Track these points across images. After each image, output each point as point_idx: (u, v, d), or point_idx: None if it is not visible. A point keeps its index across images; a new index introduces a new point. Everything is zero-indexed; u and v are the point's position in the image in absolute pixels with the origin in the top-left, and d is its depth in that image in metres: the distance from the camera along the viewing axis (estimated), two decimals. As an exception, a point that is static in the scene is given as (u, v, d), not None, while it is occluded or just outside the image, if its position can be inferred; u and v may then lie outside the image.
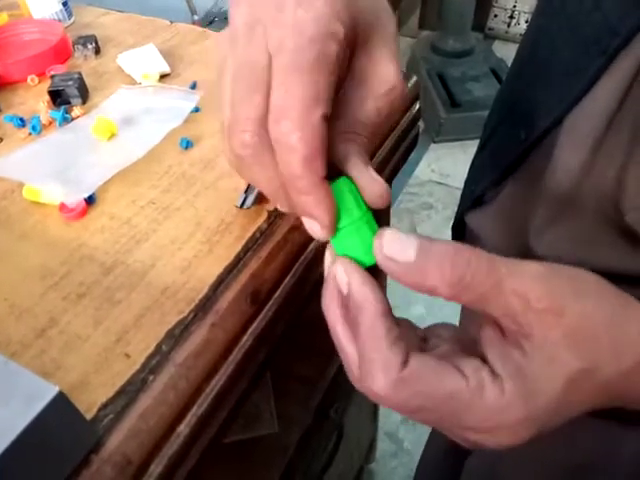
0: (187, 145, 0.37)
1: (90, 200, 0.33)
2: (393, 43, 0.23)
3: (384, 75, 0.23)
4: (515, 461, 0.39)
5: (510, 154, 0.39)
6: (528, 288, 0.19)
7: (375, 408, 0.75)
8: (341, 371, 0.57)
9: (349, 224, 0.22)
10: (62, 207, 0.32)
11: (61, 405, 0.20)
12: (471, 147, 1.64)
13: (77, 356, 0.26)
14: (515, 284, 0.19)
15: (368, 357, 0.20)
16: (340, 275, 0.22)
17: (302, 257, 0.32)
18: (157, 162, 0.36)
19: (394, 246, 0.20)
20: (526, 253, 0.36)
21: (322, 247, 0.33)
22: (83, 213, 0.32)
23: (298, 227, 0.32)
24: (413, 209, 1.46)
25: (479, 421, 0.20)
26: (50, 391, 0.19)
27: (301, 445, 0.52)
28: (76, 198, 0.32)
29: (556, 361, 0.19)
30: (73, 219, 0.32)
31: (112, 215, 0.32)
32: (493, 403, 0.19)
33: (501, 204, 0.43)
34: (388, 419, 1.02)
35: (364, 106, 0.23)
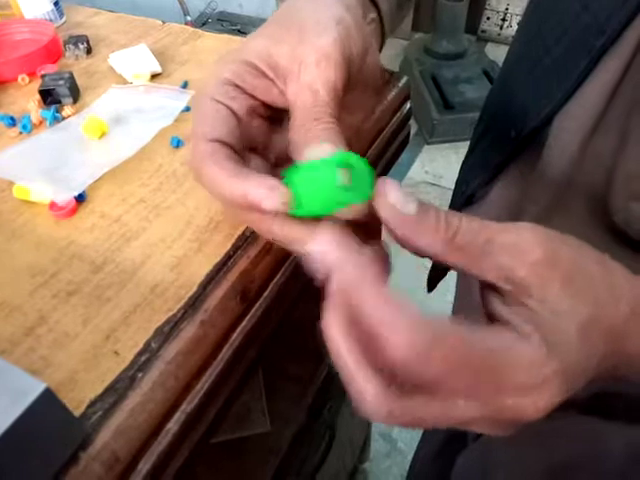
0: (178, 144, 0.37)
1: (80, 198, 0.33)
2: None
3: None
4: (503, 459, 0.39)
5: (500, 153, 0.40)
6: (518, 240, 0.19)
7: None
8: (333, 370, 0.57)
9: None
10: (52, 206, 0.32)
11: (49, 401, 0.20)
12: (464, 148, 1.63)
13: (66, 354, 0.26)
14: (505, 239, 0.19)
15: (387, 329, 0.17)
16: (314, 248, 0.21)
17: (292, 256, 0.32)
18: (148, 161, 0.36)
19: (398, 196, 0.19)
20: None
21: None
22: (73, 211, 0.32)
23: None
24: (406, 210, 1.46)
25: (519, 378, 0.18)
26: (37, 387, 0.19)
27: (294, 444, 0.52)
28: (66, 197, 0.32)
29: (562, 312, 0.19)
30: (63, 217, 0.32)
31: (102, 213, 0.33)
32: (530, 356, 0.18)
33: (491, 203, 0.43)
34: (381, 419, 1.02)
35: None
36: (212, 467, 0.45)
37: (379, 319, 0.18)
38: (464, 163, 0.50)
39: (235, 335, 0.28)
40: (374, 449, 0.96)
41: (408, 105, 0.45)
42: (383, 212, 0.20)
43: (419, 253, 0.20)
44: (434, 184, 1.56)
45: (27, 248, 0.31)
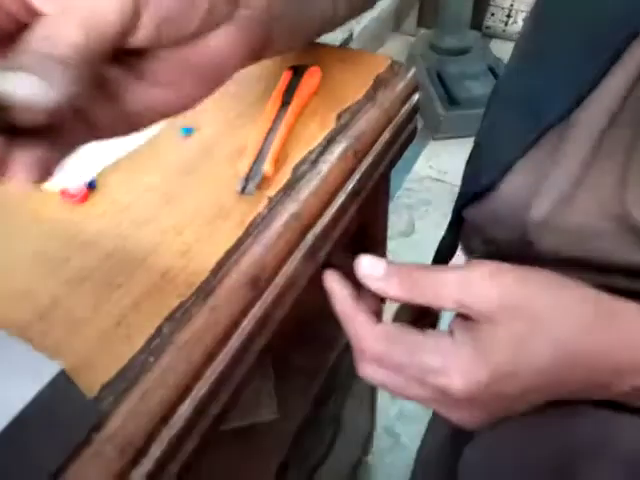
0: (188, 132, 0.37)
1: (91, 186, 0.33)
2: None
3: None
4: (511, 452, 0.39)
5: (513, 149, 0.39)
6: (467, 276, 0.25)
7: (372, 400, 0.75)
8: (340, 361, 0.57)
9: None
10: (63, 192, 0.32)
11: (64, 383, 0.20)
12: (469, 144, 1.62)
13: (78, 339, 0.26)
14: (457, 278, 0.26)
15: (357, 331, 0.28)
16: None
17: (302, 243, 0.32)
18: (158, 149, 0.36)
19: (368, 265, 0.28)
20: (527, 247, 0.36)
21: (322, 236, 0.34)
22: (84, 198, 0.32)
23: (300, 214, 0.32)
24: (411, 205, 1.47)
25: (437, 362, 0.25)
26: (53, 368, 0.20)
27: (299, 435, 0.52)
28: (77, 183, 0.32)
29: (499, 324, 0.25)
30: (74, 204, 0.32)
31: (113, 200, 0.33)
32: (447, 346, 0.25)
33: (499, 198, 0.43)
34: (385, 414, 1.03)
35: None
36: (220, 454, 0.45)
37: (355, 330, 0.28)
38: (471, 158, 0.50)
39: (246, 321, 0.28)
40: (377, 443, 0.96)
41: (417, 96, 0.45)
42: (361, 279, 0.28)
43: (393, 300, 0.28)
44: (438, 180, 1.56)
45: (38, 235, 0.31)
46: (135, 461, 0.24)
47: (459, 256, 0.48)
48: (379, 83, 0.42)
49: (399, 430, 1.03)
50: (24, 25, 0.19)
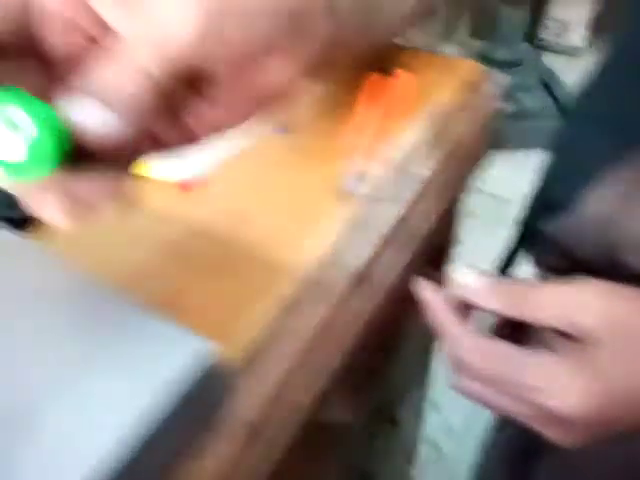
0: (283, 132, 0.38)
1: (202, 179, 0.34)
2: None
3: None
4: (589, 471, 0.38)
5: (598, 164, 0.38)
6: (581, 296, 0.25)
7: (420, 409, 0.74)
8: (398, 370, 0.57)
9: None
10: (176, 184, 0.34)
11: (209, 359, 0.20)
12: (518, 157, 1.61)
13: (193, 320, 0.27)
14: (570, 296, 0.26)
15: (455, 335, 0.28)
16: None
17: (403, 243, 0.32)
18: (259, 148, 0.37)
19: (465, 277, 0.28)
20: (613, 263, 0.35)
21: (431, 236, 0.34)
22: (195, 190, 0.33)
23: (399, 215, 0.32)
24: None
25: (541, 380, 0.25)
26: (201, 344, 0.20)
27: (359, 440, 0.52)
28: (190, 176, 0.33)
29: (607, 344, 0.24)
30: (187, 196, 0.33)
31: (224, 194, 0.33)
32: (555, 366, 0.25)
33: (586, 214, 0.42)
34: (429, 425, 1.01)
35: None
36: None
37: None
38: (547, 172, 0.49)
39: (354, 319, 0.29)
40: (421, 456, 0.95)
41: (506, 103, 0.45)
42: (457, 290, 0.28)
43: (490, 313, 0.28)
44: (487, 193, 1.54)
45: (150, 223, 0.31)
46: (249, 444, 0.25)
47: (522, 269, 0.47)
48: (470, 88, 0.42)
49: (442, 443, 1.01)
50: (95, 42, 0.19)
